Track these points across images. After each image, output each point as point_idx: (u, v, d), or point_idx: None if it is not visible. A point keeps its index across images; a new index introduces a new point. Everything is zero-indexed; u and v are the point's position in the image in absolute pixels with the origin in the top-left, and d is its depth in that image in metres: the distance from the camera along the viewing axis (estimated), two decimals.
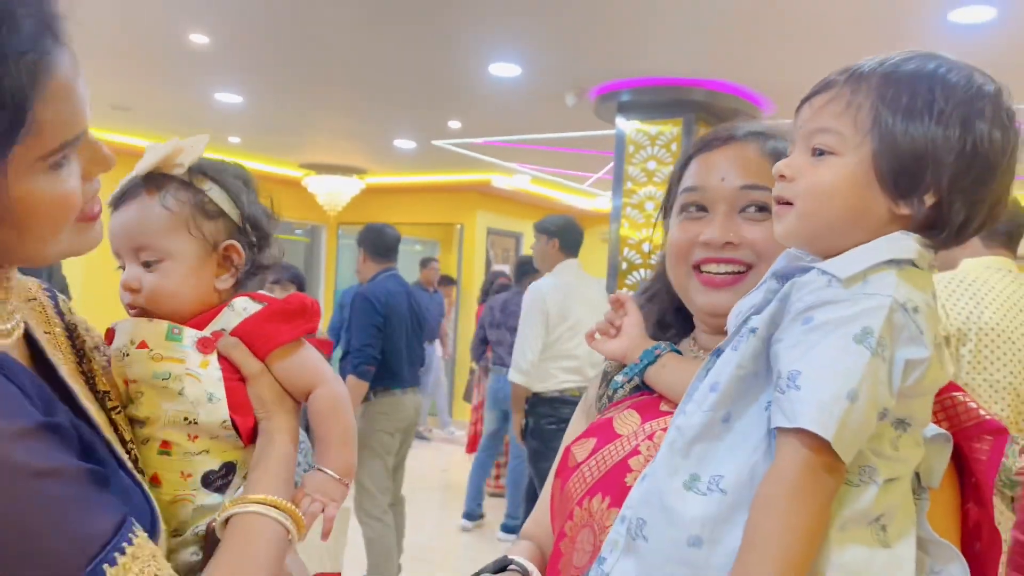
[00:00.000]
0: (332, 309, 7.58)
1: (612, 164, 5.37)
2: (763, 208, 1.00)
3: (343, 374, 4.03)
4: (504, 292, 5.93)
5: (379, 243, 4.37)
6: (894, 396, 0.72)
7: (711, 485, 0.76)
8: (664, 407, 1.02)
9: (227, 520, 0.86)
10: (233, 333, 0.93)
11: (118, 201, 0.94)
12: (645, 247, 4.92)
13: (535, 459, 4.29)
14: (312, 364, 0.96)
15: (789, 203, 0.81)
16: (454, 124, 6.68)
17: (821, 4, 3.71)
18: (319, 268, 10.34)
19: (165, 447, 0.91)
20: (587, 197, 10.12)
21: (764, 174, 0.98)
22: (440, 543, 5.56)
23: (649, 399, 1.05)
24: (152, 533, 0.78)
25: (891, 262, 0.74)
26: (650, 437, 0.99)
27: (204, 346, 0.92)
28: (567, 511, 1.00)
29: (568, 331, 4.16)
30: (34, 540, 0.66)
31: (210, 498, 0.91)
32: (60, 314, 0.96)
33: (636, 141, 5.17)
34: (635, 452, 0.98)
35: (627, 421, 1.03)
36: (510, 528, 5.41)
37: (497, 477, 6.41)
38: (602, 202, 9.44)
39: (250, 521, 0.84)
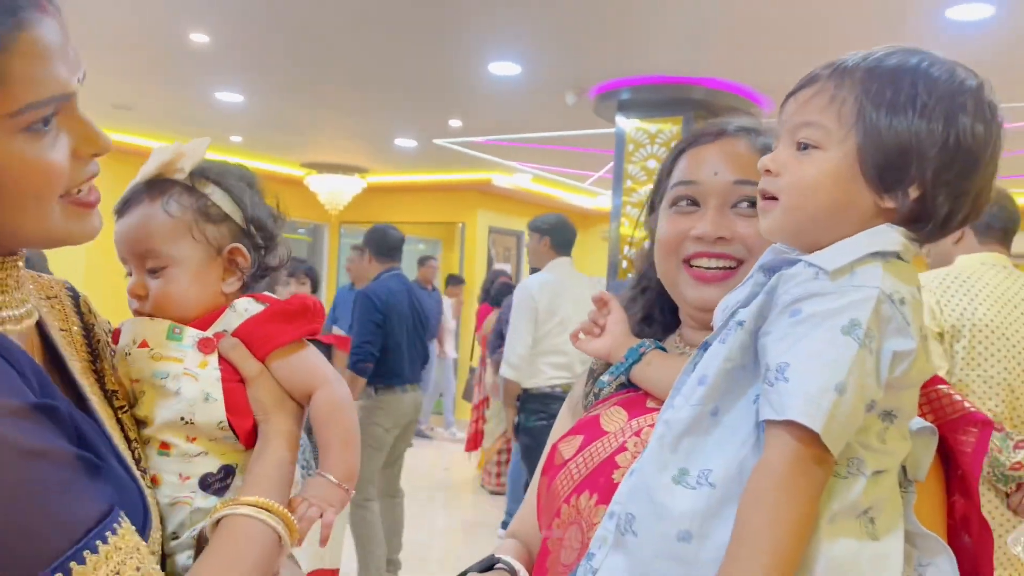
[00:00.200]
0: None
1: (612, 163, 5.37)
2: (755, 203, 0.99)
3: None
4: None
5: (383, 243, 4.49)
6: (881, 388, 0.72)
7: (700, 479, 0.76)
8: (651, 403, 1.02)
9: (218, 522, 0.84)
10: (234, 334, 0.93)
11: (122, 208, 0.94)
12: (646, 245, 4.92)
13: (527, 455, 4.34)
14: (312, 366, 0.95)
15: (774, 198, 0.81)
16: (455, 123, 6.69)
17: (820, 2, 3.72)
18: (321, 267, 10.35)
19: (164, 448, 0.91)
20: (588, 196, 10.12)
21: (755, 169, 0.97)
22: (440, 541, 5.57)
23: (635, 396, 1.05)
24: (143, 530, 0.78)
25: (877, 254, 0.75)
26: (637, 433, 0.98)
27: (204, 346, 0.92)
28: (554, 509, 1.00)
29: (557, 327, 4.22)
30: (16, 519, 0.65)
31: (208, 501, 0.90)
32: (79, 313, 0.96)
33: (636, 139, 5.18)
34: (622, 449, 0.97)
35: (614, 418, 1.02)
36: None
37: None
38: (603, 200, 9.44)
39: (240, 523, 0.82)
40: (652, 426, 0.86)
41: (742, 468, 0.74)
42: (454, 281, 9.10)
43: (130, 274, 0.96)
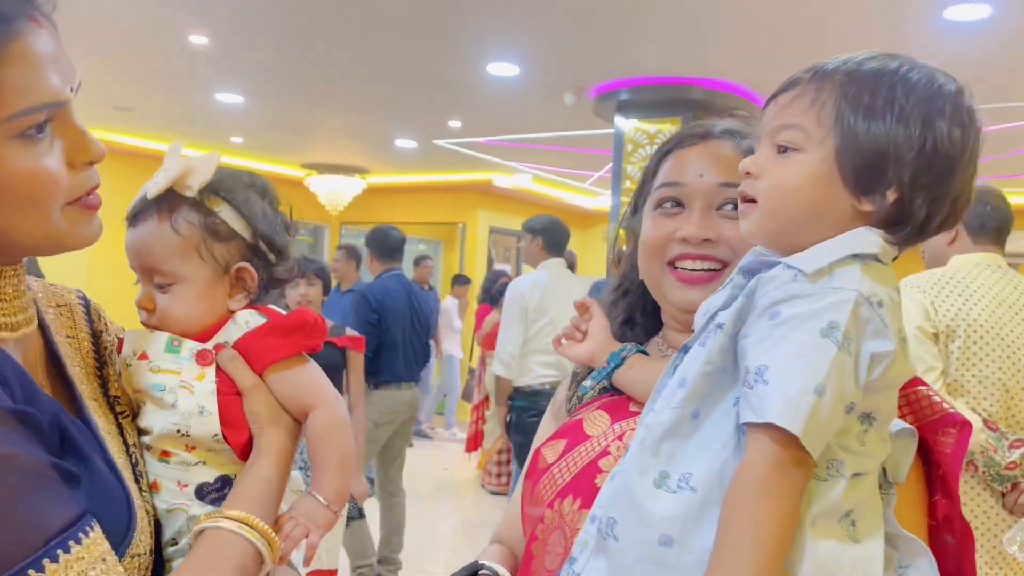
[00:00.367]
0: None
1: (612, 163, 5.38)
2: None
3: None
4: None
5: (384, 244, 4.60)
6: (860, 389, 0.72)
7: (681, 483, 0.75)
8: (633, 407, 1.01)
9: (201, 533, 0.84)
10: (233, 346, 0.93)
11: (132, 219, 0.94)
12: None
13: (519, 454, 4.38)
14: (309, 383, 0.94)
15: (754, 200, 0.81)
16: (454, 123, 6.69)
17: (818, 3, 3.73)
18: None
19: (165, 455, 0.91)
20: (588, 196, 10.12)
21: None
22: (441, 541, 5.58)
23: (618, 399, 1.04)
24: (124, 535, 0.78)
25: (855, 257, 0.75)
26: (620, 437, 0.98)
27: (202, 359, 0.92)
28: (538, 514, 0.99)
29: (547, 326, 4.27)
30: None
31: (204, 510, 0.90)
32: (90, 321, 0.98)
33: (635, 140, 5.19)
34: (605, 453, 0.97)
35: (597, 422, 1.02)
36: None
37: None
38: (604, 200, 9.44)
39: (219, 537, 0.82)
40: (635, 430, 0.86)
41: (723, 471, 0.74)
42: (461, 281, 9.09)
43: (139, 282, 0.96)
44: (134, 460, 0.89)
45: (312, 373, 0.95)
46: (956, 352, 2.22)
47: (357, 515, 3.88)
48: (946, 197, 0.78)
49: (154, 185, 0.91)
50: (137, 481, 0.88)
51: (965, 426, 0.84)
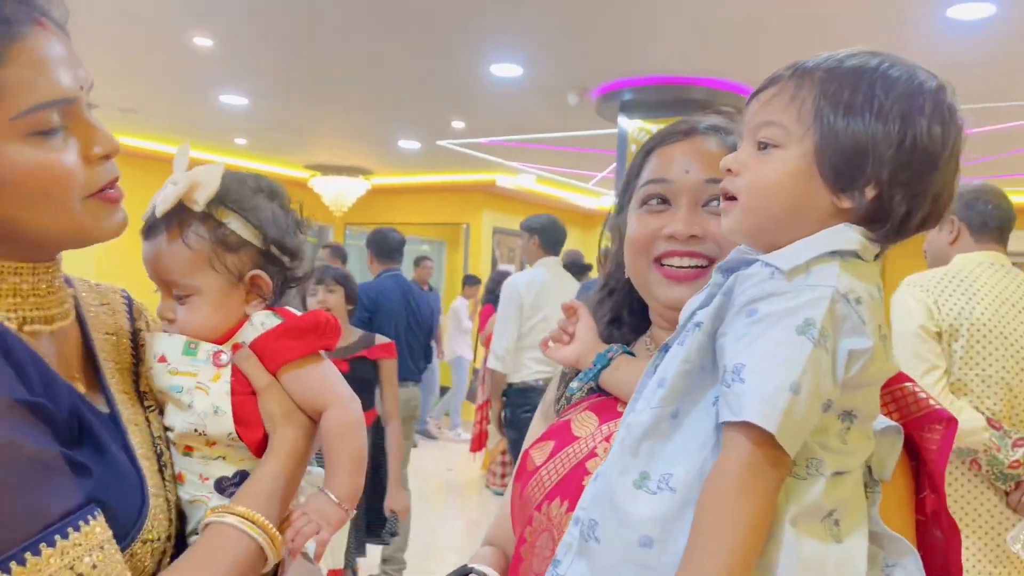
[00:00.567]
0: None
1: (615, 163, 5.39)
2: None
3: None
4: None
5: (383, 245, 4.68)
6: (838, 387, 0.71)
7: (661, 484, 0.75)
8: (621, 408, 0.99)
9: (207, 526, 0.86)
10: (249, 347, 0.95)
11: (146, 233, 0.96)
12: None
13: (514, 449, 4.41)
14: (322, 383, 0.96)
15: (735, 198, 0.81)
16: (457, 124, 6.70)
17: (821, 2, 3.73)
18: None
19: (188, 450, 0.94)
20: (592, 196, 10.13)
21: None
22: (446, 541, 5.59)
23: (607, 400, 1.04)
24: (136, 520, 0.81)
25: (834, 254, 0.74)
26: (607, 439, 0.97)
27: (218, 360, 0.94)
28: (526, 516, 0.99)
29: (541, 322, 4.34)
30: None
31: (221, 502, 0.92)
32: (131, 319, 1.02)
33: (638, 140, 5.19)
34: (592, 455, 0.97)
35: (585, 423, 1.02)
36: None
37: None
38: (607, 201, 9.45)
39: (222, 531, 0.84)
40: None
41: (703, 471, 0.73)
42: (471, 281, 9.08)
43: (158, 291, 0.99)
44: (159, 451, 0.92)
45: (326, 373, 0.97)
46: (959, 351, 2.22)
47: (394, 532, 3.72)
48: (926, 194, 0.77)
49: (162, 202, 0.93)
50: (161, 471, 0.91)
51: (951, 422, 0.84)
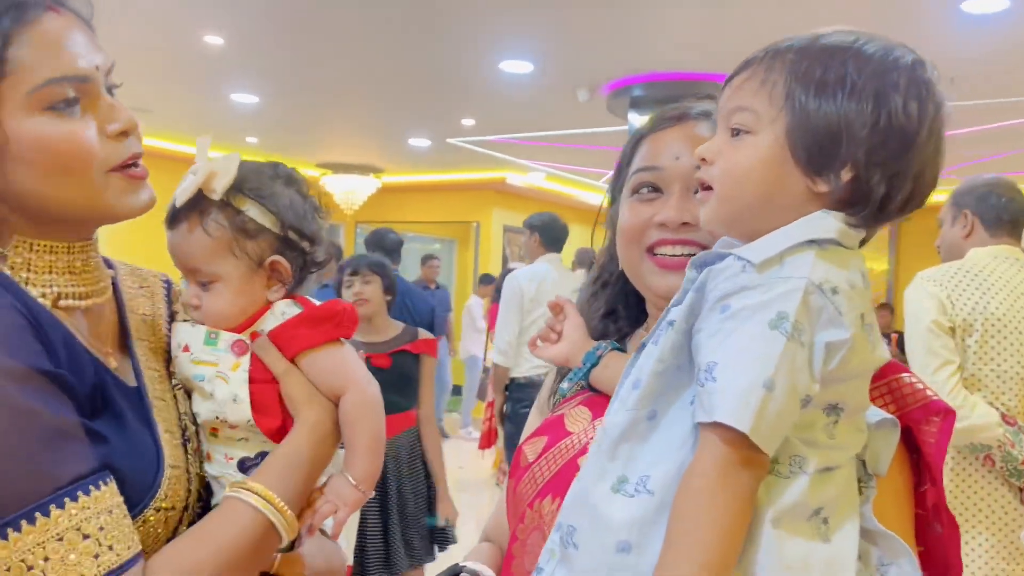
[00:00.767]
0: None
1: None
2: None
3: None
4: None
5: (380, 245, 4.70)
6: (816, 381, 0.69)
7: (638, 486, 0.72)
8: None
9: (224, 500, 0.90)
10: (268, 335, 0.98)
11: (170, 223, 0.99)
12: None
13: (509, 444, 4.42)
14: (341, 367, 0.98)
15: (711, 187, 0.79)
16: (467, 122, 6.70)
17: None
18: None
19: (213, 431, 0.98)
20: (603, 193, 10.08)
21: None
22: (458, 539, 5.58)
23: (600, 395, 1.01)
24: (151, 487, 0.86)
25: (811, 243, 0.72)
26: None
27: (238, 349, 0.97)
28: (519, 513, 0.98)
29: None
30: None
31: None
32: (168, 302, 1.08)
33: None
34: (585, 450, 0.94)
35: (578, 418, 1.00)
36: None
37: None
38: None
39: (233, 506, 0.87)
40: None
41: (681, 473, 0.70)
42: (486, 280, 9.05)
43: (184, 279, 1.02)
44: (183, 426, 0.97)
45: (344, 357, 0.99)
46: (974, 346, 2.20)
47: (451, 540, 3.61)
48: (906, 174, 0.74)
49: (182, 192, 0.96)
50: (184, 445, 0.95)
51: (948, 414, 0.81)
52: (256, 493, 0.88)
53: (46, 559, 0.73)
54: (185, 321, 1.02)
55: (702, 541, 0.66)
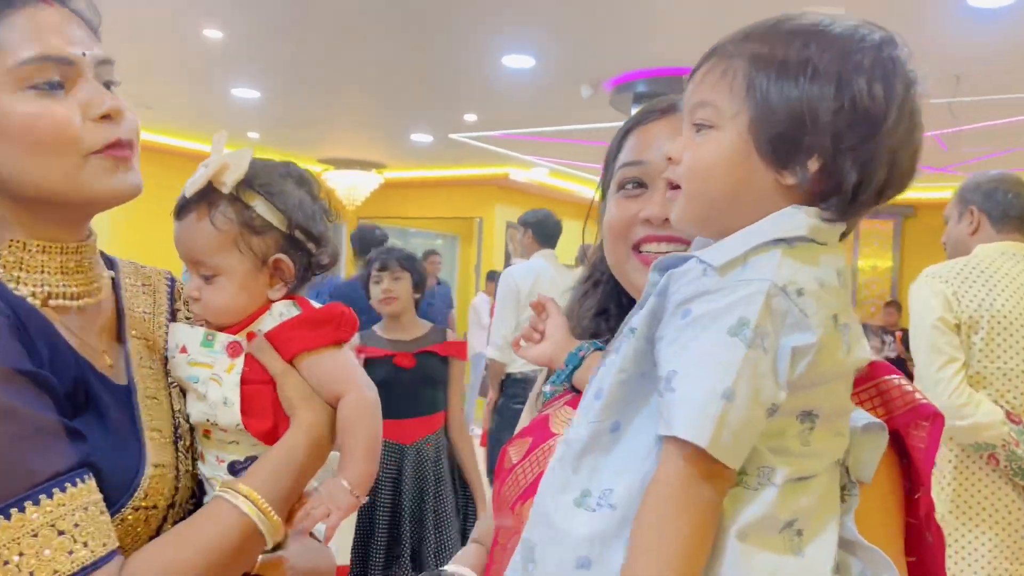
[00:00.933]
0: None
1: None
2: None
3: None
4: None
5: (364, 242, 4.72)
6: (783, 389, 0.65)
7: (601, 500, 0.70)
8: None
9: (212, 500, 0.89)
10: (265, 336, 0.97)
11: (178, 214, 0.99)
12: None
13: (493, 439, 4.44)
14: (340, 370, 0.97)
15: (679, 186, 0.76)
16: (470, 117, 6.69)
17: None
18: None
19: (206, 433, 0.97)
20: None
21: None
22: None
23: None
24: (130, 486, 0.85)
25: (779, 241, 0.68)
26: None
27: (232, 350, 0.96)
28: (502, 516, 0.95)
29: None
30: None
31: None
32: (171, 300, 1.08)
33: None
34: None
35: (563, 418, 0.98)
36: None
37: None
38: None
39: (218, 506, 0.87)
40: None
41: (644, 486, 0.67)
42: (493, 277, 9.04)
43: (187, 272, 1.02)
44: (176, 424, 0.96)
45: (342, 359, 0.98)
46: (979, 344, 2.18)
47: None
48: (877, 160, 0.69)
49: (192, 184, 0.96)
50: (176, 444, 0.95)
51: (937, 418, 0.78)
52: (243, 495, 0.87)
53: (21, 554, 0.74)
54: (184, 321, 1.01)
55: (664, 555, 0.63)
